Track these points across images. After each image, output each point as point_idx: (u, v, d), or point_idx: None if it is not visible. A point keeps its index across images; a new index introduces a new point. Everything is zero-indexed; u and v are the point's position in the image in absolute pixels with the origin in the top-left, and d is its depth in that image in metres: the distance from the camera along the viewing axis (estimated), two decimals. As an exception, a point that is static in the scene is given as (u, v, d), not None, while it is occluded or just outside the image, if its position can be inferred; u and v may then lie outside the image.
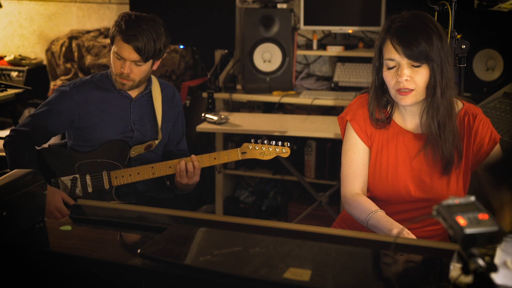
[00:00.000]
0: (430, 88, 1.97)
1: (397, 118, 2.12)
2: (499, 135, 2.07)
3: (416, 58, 1.94)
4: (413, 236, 1.90)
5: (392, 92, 2.01)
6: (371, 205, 2.04)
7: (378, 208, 2.02)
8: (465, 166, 2.08)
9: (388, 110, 2.12)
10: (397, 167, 2.10)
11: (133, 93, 2.66)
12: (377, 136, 2.12)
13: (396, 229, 1.91)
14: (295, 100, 3.95)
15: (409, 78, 1.95)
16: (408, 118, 2.10)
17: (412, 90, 1.97)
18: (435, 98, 1.98)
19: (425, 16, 1.99)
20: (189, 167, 2.52)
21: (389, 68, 1.99)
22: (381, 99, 2.09)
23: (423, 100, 2.02)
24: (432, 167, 2.07)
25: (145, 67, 2.55)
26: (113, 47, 2.56)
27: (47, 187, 2.47)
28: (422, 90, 1.98)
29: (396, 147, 2.10)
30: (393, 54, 1.96)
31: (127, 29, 2.49)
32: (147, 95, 2.68)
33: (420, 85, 1.97)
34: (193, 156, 2.55)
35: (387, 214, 2.03)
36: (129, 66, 2.53)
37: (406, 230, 1.91)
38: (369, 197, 2.13)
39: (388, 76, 1.99)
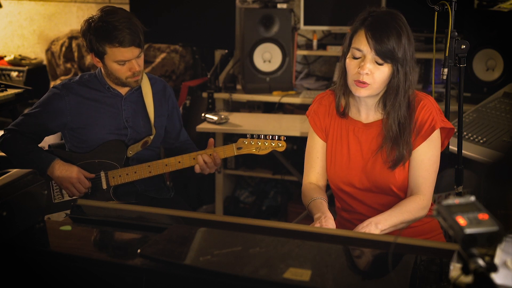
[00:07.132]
0: (393, 88, 2.05)
1: (350, 109, 2.18)
2: (446, 124, 2.11)
3: (383, 55, 2.00)
4: (332, 223, 1.98)
5: (350, 80, 2.08)
6: (314, 193, 2.16)
7: (321, 197, 2.14)
8: None
9: (345, 102, 2.19)
10: (350, 157, 2.16)
11: (123, 90, 2.65)
12: (331, 128, 2.21)
13: (317, 214, 2.04)
14: (295, 100, 3.95)
15: (370, 73, 2.02)
16: (361, 109, 2.16)
17: (368, 84, 2.03)
18: (398, 98, 2.06)
19: (400, 18, 2.06)
20: (206, 159, 2.51)
21: (354, 58, 2.05)
22: (347, 86, 2.13)
23: (380, 95, 2.10)
24: (383, 159, 2.12)
25: (142, 54, 2.57)
26: (106, 59, 2.51)
27: (60, 164, 2.51)
28: (379, 86, 2.05)
29: (348, 137, 2.17)
30: (362, 46, 2.02)
31: (116, 34, 2.44)
32: (137, 91, 2.67)
33: (377, 81, 2.04)
34: (198, 157, 2.53)
35: (350, 203, 2.19)
36: (136, 62, 2.53)
37: (327, 216, 2.00)
38: (335, 188, 2.22)
39: (351, 65, 2.06)
